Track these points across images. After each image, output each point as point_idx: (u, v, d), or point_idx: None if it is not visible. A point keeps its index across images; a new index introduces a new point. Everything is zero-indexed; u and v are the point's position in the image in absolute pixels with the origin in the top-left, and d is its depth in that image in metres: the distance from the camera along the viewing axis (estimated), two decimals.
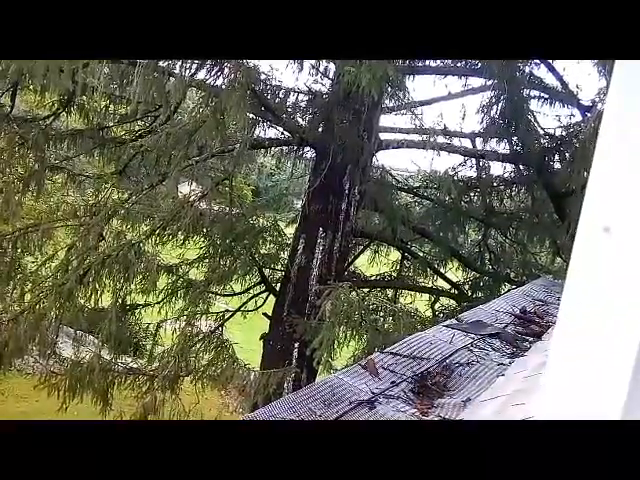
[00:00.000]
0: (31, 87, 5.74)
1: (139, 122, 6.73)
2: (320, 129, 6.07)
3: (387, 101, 5.58)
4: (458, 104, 6.20)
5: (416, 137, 5.84)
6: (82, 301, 5.70)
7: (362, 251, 7.46)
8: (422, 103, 6.07)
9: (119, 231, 6.05)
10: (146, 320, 6.85)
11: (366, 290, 6.90)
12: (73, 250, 5.87)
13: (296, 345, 5.74)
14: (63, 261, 5.89)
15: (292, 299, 5.95)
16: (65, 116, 6.49)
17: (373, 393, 2.02)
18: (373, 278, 7.27)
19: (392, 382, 2.16)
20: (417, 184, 7.39)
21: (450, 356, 2.47)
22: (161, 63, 4.93)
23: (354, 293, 4.91)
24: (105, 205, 6.09)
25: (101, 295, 5.62)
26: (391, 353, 2.39)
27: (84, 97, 6.11)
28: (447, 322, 2.99)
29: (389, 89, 4.95)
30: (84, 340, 6.49)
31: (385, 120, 6.43)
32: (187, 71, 5.06)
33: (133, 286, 5.96)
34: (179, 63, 4.90)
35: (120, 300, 5.91)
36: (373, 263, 7.38)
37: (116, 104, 6.39)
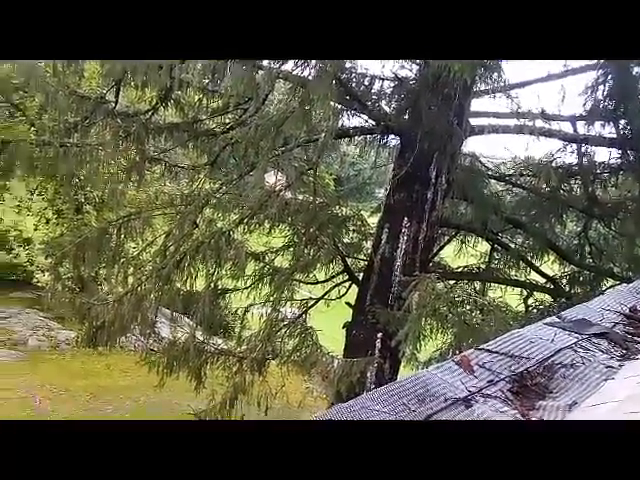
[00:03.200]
0: (132, 84, 6.11)
1: (229, 115, 6.96)
2: (406, 116, 5.91)
3: (479, 84, 5.30)
4: (557, 85, 5.74)
5: (511, 121, 5.50)
6: (178, 285, 6.08)
7: (448, 242, 7.21)
8: (518, 85, 5.69)
9: (211, 219, 6.34)
10: (235, 304, 7.15)
11: (452, 282, 6.68)
12: (170, 237, 6.26)
13: (379, 335, 5.70)
14: (161, 247, 6.31)
15: (375, 289, 5.90)
16: (163, 110, 6.86)
17: (469, 391, 1.94)
18: (460, 270, 7.01)
19: (489, 381, 2.06)
20: (510, 171, 6.96)
21: (552, 356, 2.30)
22: None
23: (441, 285, 4.77)
24: (198, 195, 6.41)
25: (195, 279, 5.95)
26: (487, 350, 2.28)
27: (180, 92, 6.43)
28: (548, 320, 2.79)
29: (482, 71, 4.68)
30: (180, 321, 6.91)
31: (477, 104, 6.12)
32: (275, 63, 5.14)
33: (224, 271, 6.25)
34: None
35: (212, 284, 6.22)
36: (459, 254, 7.10)
37: (209, 98, 6.66)
